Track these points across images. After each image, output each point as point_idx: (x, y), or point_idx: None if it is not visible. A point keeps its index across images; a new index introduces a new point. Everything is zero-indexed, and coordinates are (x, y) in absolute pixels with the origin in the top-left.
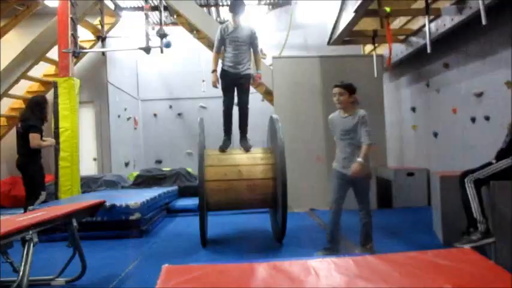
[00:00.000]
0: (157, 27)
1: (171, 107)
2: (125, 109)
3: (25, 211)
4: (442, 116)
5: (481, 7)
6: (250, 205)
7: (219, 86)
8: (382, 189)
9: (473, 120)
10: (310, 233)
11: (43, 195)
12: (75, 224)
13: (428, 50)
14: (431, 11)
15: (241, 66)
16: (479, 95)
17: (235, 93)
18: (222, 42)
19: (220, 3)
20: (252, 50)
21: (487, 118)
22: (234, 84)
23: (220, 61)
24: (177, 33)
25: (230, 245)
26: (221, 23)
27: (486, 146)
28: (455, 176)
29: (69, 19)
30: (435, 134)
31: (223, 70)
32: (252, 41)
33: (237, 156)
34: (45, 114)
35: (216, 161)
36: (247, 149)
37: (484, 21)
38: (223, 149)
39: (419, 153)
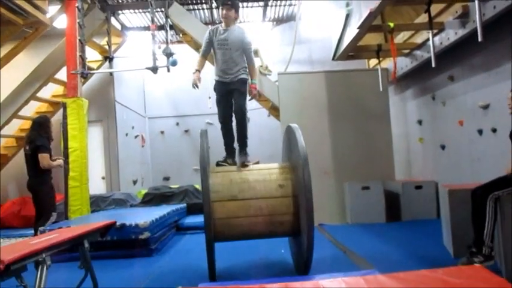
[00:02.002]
0: (163, 46)
1: (177, 124)
2: (133, 127)
3: (35, 232)
4: (448, 129)
5: (478, 24)
6: (266, 235)
7: (199, 85)
8: (390, 202)
9: (480, 132)
10: (324, 249)
11: (54, 216)
12: (86, 245)
13: (433, 65)
14: (434, 26)
15: (233, 74)
16: (486, 107)
17: (232, 103)
18: (209, 45)
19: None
20: (241, 54)
21: (494, 130)
22: (228, 93)
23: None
24: (183, 50)
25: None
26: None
27: (494, 158)
28: (463, 189)
29: (77, 41)
30: (442, 147)
31: (215, 81)
32: (244, 46)
33: (249, 176)
34: (49, 133)
35: (221, 177)
36: (244, 164)
37: (480, 38)
38: (221, 163)
39: (427, 165)
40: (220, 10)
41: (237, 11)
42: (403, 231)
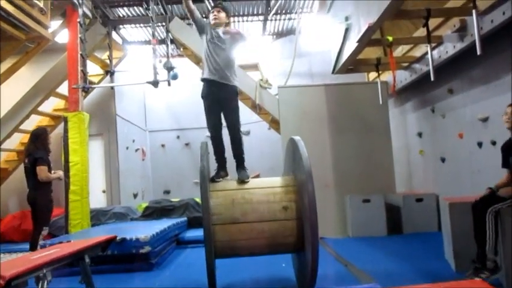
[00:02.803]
0: (164, 60)
1: (178, 137)
2: (133, 141)
3: (31, 246)
4: (448, 141)
5: (477, 38)
6: (268, 251)
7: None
8: (391, 215)
9: (479, 145)
10: (325, 263)
11: (45, 231)
12: (87, 260)
13: (432, 78)
14: (432, 39)
15: (225, 76)
16: (485, 119)
17: (222, 114)
18: (202, 22)
19: None
20: (232, 56)
21: (494, 143)
22: (218, 99)
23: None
24: (183, 64)
25: None
26: None
27: (494, 170)
28: (464, 202)
29: (79, 55)
30: (443, 159)
31: (203, 82)
32: (234, 41)
33: (250, 189)
34: (47, 145)
35: (222, 197)
36: (243, 179)
37: (479, 52)
38: (214, 179)
39: (427, 177)
40: (211, 13)
41: (228, 15)
42: (405, 244)
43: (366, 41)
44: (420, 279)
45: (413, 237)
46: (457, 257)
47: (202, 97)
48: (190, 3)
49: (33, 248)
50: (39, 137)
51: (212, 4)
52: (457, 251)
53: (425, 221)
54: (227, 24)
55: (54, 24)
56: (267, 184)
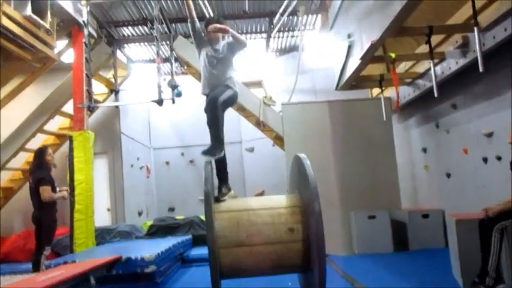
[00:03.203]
0: (168, 77)
1: (182, 154)
2: (138, 158)
3: (34, 266)
4: (453, 156)
5: (479, 55)
6: (274, 272)
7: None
8: (397, 231)
9: (485, 160)
10: (332, 282)
11: (47, 251)
12: (93, 281)
13: (436, 95)
14: (435, 55)
15: (221, 84)
16: (489, 135)
17: None
18: (200, 36)
19: None
20: (229, 65)
21: (499, 158)
22: None
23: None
24: (187, 81)
25: None
26: None
27: (499, 185)
28: (470, 218)
29: (84, 75)
30: (448, 175)
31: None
32: (231, 49)
33: (255, 210)
34: (47, 162)
35: (227, 219)
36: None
37: (481, 69)
38: (219, 199)
39: (433, 193)
40: (208, 28)
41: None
42: (411, 261)
43: (368, 58)
44: None
45: (420, 254)
46: (465, 274)
47: (204, 111)
48: (193, 11)
49: (36, 268)
50: (40, 155)
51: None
52: (464, 268)
53: (431, 237)
54: (223, 37)
55: (60, 44)
56: (272, 204)
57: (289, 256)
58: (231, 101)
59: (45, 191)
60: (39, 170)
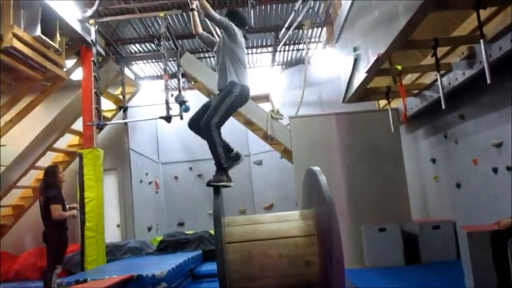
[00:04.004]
0: (175, 92)
1: (191, 168)
2: (147, 174)
3: (45, 285)
4: (463, 167)
5: (486, 66)
6: None
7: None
8: (408, 243)
9: (495, 171)
10: None
11: (58, 269)
12: None
13: (443, 106)
14: (441, 67)
15: (221, 81)
16: (499, 145)
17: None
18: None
19: None
20: (228, 56)
21: (509, 168)
22: None
23: None
24: (194, 96)
25: None
26: None
27: (510, 196)
28: (482, 231)
29: (93, 93)
30: (458, 185)
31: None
32: (224, 41)
33: (269, 240)
34: (58, 181)
35: (239, 251)
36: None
37: (489, 80)
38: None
39: (443, 204)
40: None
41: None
42: (424, 275)
43: (374, 71)
44: None
45: (432, 267)
46: (478, 286)
47: None
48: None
49: (47, 286)
50: (50, 174)
51: None
52: (477, 280)
53: (443, 248)
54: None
55: (69, 62)
56: (286, 232)
57: (305, 275)
58: (234, 107)
59: (56, 210)
60: (50, 189)
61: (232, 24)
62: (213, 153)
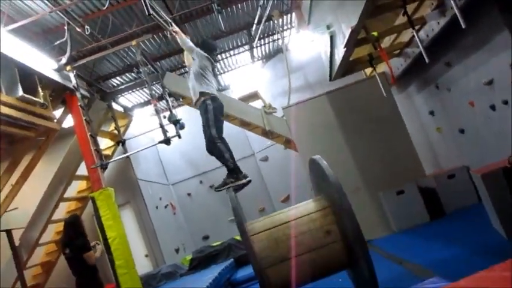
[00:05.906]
0: (167, 113)
1: (201, 182)
2: (160, 198)
3: None
4: (462, 112)
5: (458, 13)
6: (322, 276)
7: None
8: (428, 200)
9: (492, 108)
10: (379, 266)
11: None
12: None
13: (426, 60)
14: (415, 22)
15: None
16: (490, 82)
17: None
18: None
19: (218, 73)
20: (194, 74)
21: (506, 102)
22: None
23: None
24: (186, 110)
25: None
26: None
27: None
28: (494, 170)
29: (89, 136)
30: (461, 130)
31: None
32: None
33: (288, 222)
34: (83, 229)
35: (265, 239)
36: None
37: (463, 25)
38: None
39: (452, 152)
40: None
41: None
42: (450, 226)
43: (352, 43)
44: (476, 257)
45: (457, 216)
46: (505, 224)
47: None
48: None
49: None
50: (74, 224)
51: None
52: (503, 218)
53: (463, 195)
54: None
55: (57, 112)
56: (302, 212)
57: (333, 257)
58: (218, 115)
59: (91, 257)
60: (79, 239)
61: (198, 50)
62: (222, 161)
